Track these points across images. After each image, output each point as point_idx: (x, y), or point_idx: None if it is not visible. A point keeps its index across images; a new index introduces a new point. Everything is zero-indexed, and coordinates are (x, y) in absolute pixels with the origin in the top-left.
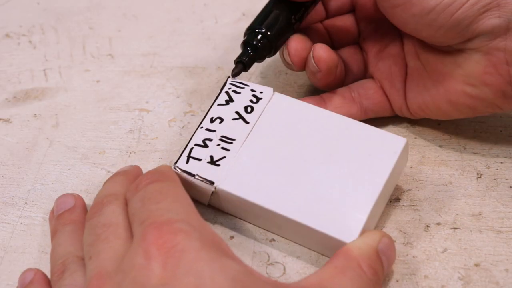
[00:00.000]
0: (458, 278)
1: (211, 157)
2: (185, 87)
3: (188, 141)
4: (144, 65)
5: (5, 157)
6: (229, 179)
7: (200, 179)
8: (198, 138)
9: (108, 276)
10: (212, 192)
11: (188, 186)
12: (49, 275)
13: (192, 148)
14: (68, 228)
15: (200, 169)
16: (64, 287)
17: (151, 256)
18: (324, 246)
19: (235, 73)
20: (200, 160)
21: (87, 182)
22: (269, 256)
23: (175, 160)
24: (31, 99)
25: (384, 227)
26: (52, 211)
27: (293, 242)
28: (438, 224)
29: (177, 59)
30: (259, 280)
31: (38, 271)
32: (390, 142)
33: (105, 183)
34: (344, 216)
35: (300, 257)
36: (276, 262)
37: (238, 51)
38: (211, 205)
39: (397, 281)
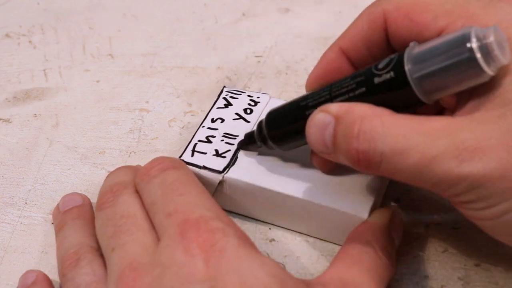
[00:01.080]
0: (458, 278)
1: (216, 150)
2: (185, 87)
3: (189, 139)
4: (144, 65)
5: (5, 157)
6: (237, 168)
7: (208, 169)
8: (201, 135)
9: (143, 268)
10: (219, 183)
11: None
12: (49, 276)
13: (196, 143)
14: (78, 221)
15: (206, 160)
16: (82, 275)
17: (193, 254)
18: (335, 229)
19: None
20: (205, 153)
21: (87, 182)
22: (269, 256)
23: (179, 155)
24: (31, 99)
25: None
26: (57, 208)
27: (300, 232)
28: (438, 224)
29: (177, 59)
30: (290, 275)
31: (40, 273)
32: None
33: (108, 175)
34: (354, 193)
35: (300, 257)
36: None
37: (238, 50)
38: None
39: (397, 281)
